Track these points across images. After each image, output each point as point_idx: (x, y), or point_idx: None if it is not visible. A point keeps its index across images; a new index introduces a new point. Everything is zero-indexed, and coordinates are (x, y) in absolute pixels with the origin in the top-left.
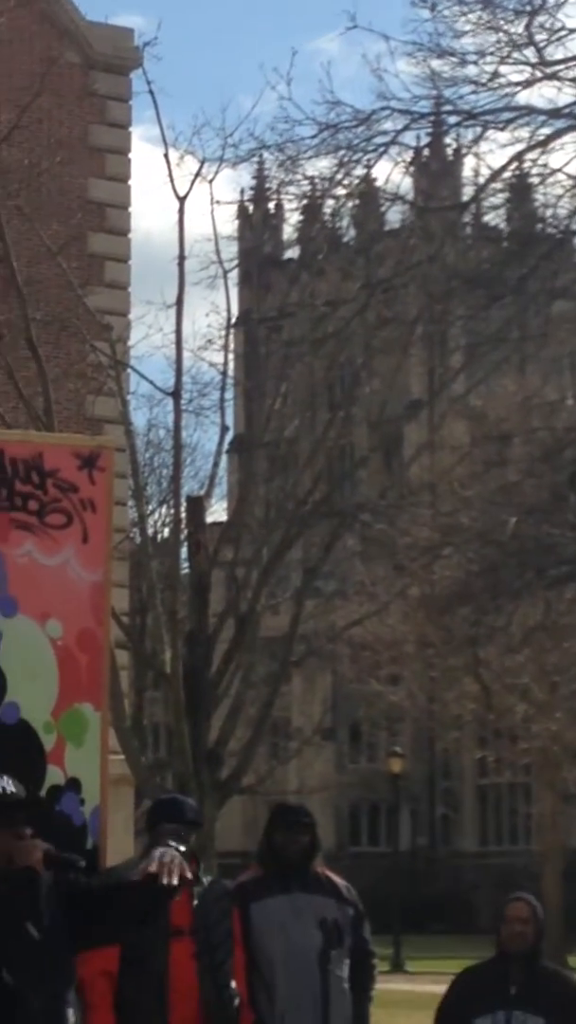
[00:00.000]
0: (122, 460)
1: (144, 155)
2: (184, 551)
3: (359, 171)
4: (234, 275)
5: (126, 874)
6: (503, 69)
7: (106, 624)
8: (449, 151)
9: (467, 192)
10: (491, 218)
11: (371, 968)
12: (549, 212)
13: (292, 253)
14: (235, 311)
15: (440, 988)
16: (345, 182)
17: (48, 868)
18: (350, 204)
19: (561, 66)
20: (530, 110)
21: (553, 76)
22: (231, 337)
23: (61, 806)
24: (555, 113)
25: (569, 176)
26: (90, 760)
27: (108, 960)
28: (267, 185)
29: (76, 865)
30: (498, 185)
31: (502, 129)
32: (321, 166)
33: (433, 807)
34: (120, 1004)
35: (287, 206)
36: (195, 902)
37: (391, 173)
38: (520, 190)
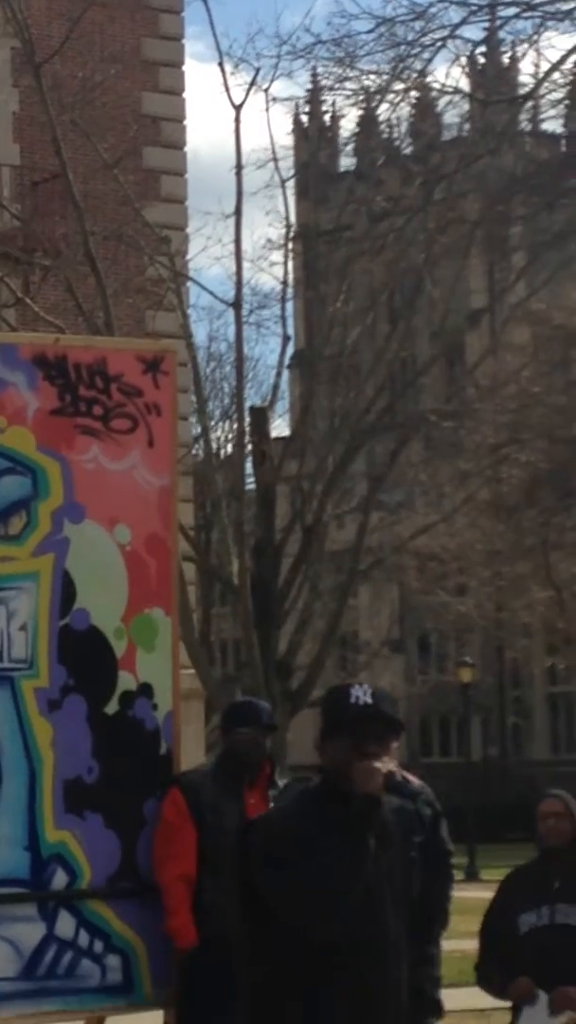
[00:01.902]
0: (184, 374)
1: (201, 66)
2: (249, 464)
3: (417, 66)
4: (292, 186)
5: None
6: None
7: (174, 529)
8: (506, 49)
9: (526, 90)
10: (549, 120)
11: (448, 867)
12: None
13: (349, 164)
14: (293, 222)
15: None
16: (401, 81)
17: (390, 792)
18: (406, 109)
19: None
20: None
21: None
22: (290, 248)
23: (134, 711)
24: None
25: None
26: (162, 665)
27: (186, 864)
28: (322, 95)
29: (416, 796)
30: (558, 79)
31: (562, 20)
32: (379, 63)
33: (504, 716)
34: (199, 906)
35: (342, 112)
36: (270, 804)
37: (449, 70)
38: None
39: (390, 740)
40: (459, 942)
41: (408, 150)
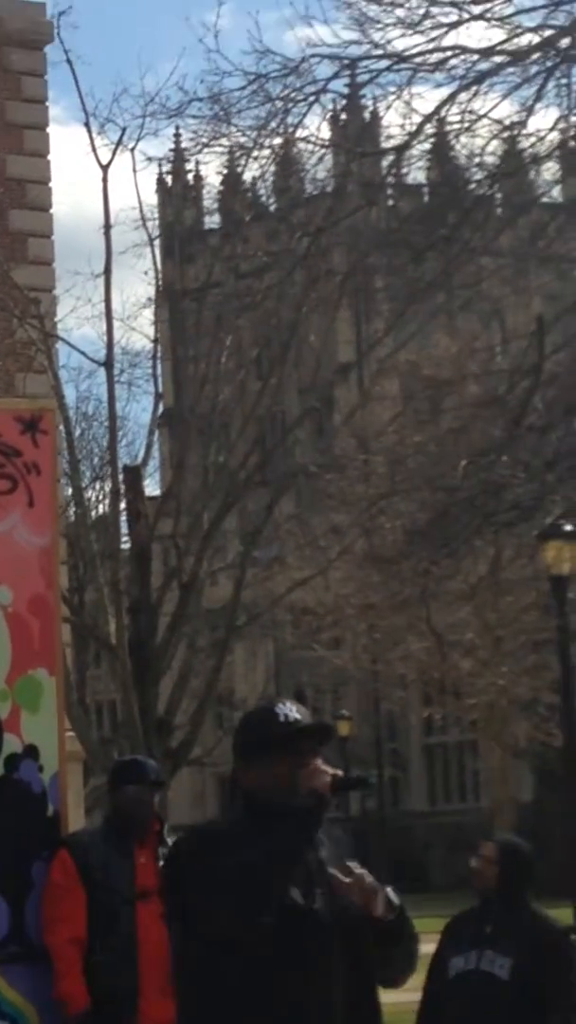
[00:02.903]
0: (57, 436)
1: (69, 126)
2: (123, 522)
3: (290, 120)
4: (160, 246)
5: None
6: (432, 10)
7: (56, 589)
8: (374, 104)
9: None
10: (416, 172)
11: None
12: (475, 161)
13: (215, 222)
14: (161, 279)
15: None
16: (269, 143)
17: (335, 792)
18: (275, 165)
19: (489, 3)
20: (462, 49)
21: (481, 16)
22: (158, 308)
23: (20, 774)
24: (487, 52)
25: (496, 121)
26: (47, 726)
27: (76, 927)
28: (188, 153)
29: (366, 782)
30: (429, 129)
31: (431, 71)
32: (253, 119)
33: (381, 769)
34: (89, 969)
35: (209, 172)
36: (160, 863)
37: (320, 125)
38: (445, 145)
39: (318, 752)
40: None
41: (273, 207)
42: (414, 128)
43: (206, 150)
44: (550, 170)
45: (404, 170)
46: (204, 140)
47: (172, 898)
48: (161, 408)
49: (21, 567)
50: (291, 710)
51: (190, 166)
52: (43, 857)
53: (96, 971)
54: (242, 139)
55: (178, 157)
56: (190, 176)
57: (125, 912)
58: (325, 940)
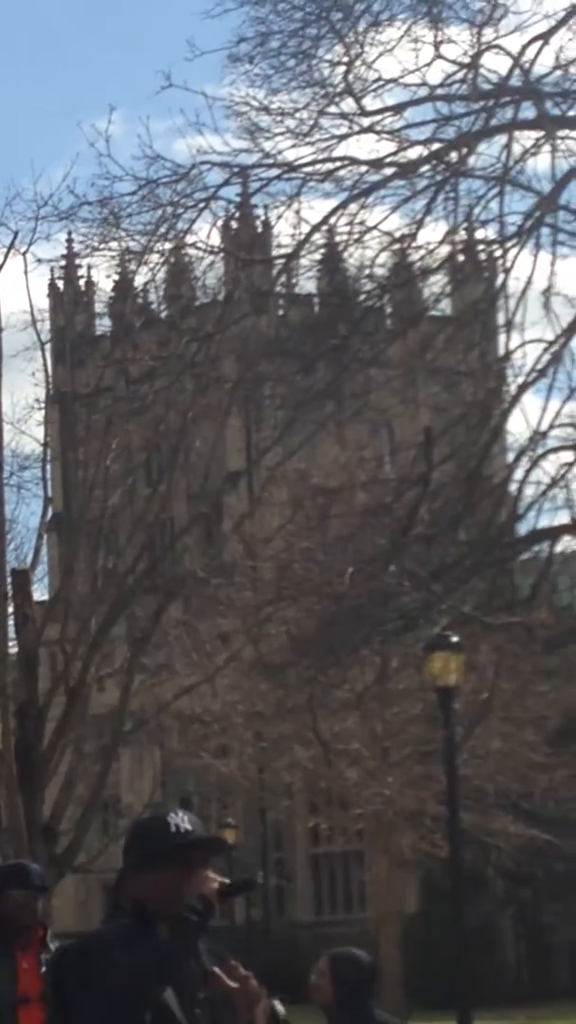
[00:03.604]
0: None
1: None
2: (11, 626)
3: (180, 226)
4: (51, 349)
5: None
6: (323, 122)
7: None
8: (265, 213)
9: (284, 257)
10: (306, 281)
11: None
12: (365, 272)
13: (106, 327)
14: (52, 383)
15: None
16: (159, 248)
17: (224, 899)
18: (164, 272)
19: (379, 116)
20: (351, 160)
21: (371, 129)
22: (48, 411)
23: None
24: (376, 163)
25: (386, 233)
26: None
27: None
28: (79, 258)
29: (253, 884)
30: (317, 239)
31: (321, 180)
32: (143, 224)
33: (266, 878)
34: None
35: (100, 277)
36: (43, 969)
37: (210, 231)
38: (335, 256)
39: (208, 864)
40: None
41: (164, 313)
42: (303, 237)
43: (96, 254)
44: (439, 283)
45: (294, 280)
46: (94, 244)
47: (54, 1004)
48: (50, 512)
49: None
50: (183, 820)
51: (82, 271)
52: None
53: None
54: (132, 244)
55: (70, 262)
56: (82, 281)
57: (7, 1017)
58: None
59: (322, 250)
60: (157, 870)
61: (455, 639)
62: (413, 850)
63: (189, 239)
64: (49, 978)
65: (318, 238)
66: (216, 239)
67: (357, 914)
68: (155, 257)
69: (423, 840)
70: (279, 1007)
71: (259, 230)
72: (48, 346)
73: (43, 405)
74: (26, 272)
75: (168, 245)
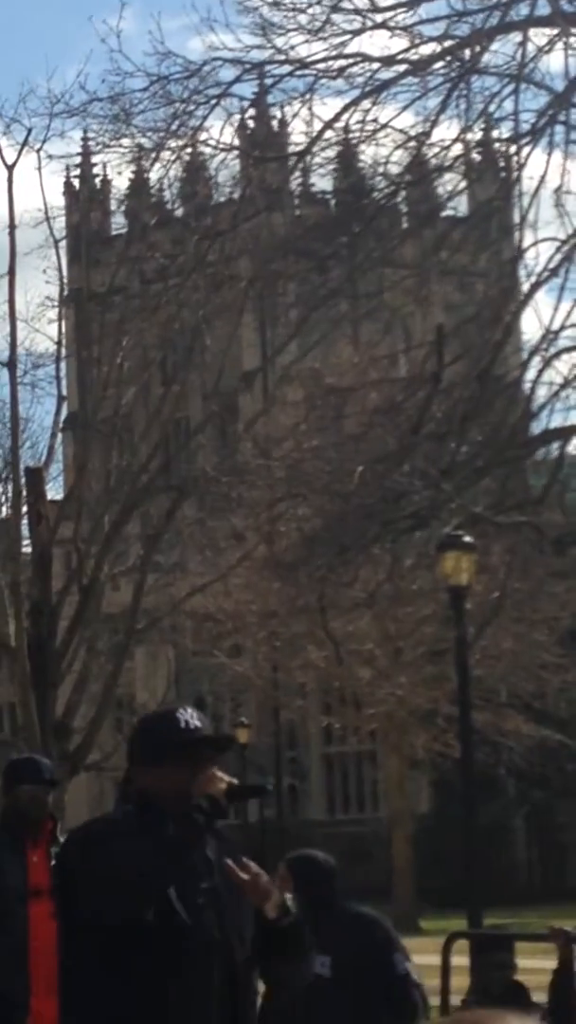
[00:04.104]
0: None
1: None
2: (24, 524)
3: (192, 123)
4: (66, 248)
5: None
6: (335, 17)
7: None
8: (281, 111)
9: (296, 155)
10: (320, 180)
11: None
12: (379, 170)
13: (121, 225)
14: (67, 282)
15: None
16: (177, 138)
17: (232, 800)
18: (179, 170)
19: (392, 11)
20: (364, 57)
21: (383, 25)
22: (63, 310)
23: None
24: (388, 61)
25: (400, 131)
26: None
27: None
28: (94, 154)
29: (264, 790)
30: (331, 137)
31: (334, 77)
32: (154, 121)
33: (280, 777)
34: None
35: (119, 170)
36: (52, 862)
37: (222, 129)
38: (350, 154)
39: (216, 761)
40: None
41: (179, 211)
42: (315, 134)
43: (108, 150)
44: (453, 181)
45: (311, 179)
46: (106, 140)
47: (61, 895)
48: (65, 411)
49: None
50: (192, 717)
51: (97, 169)
52: None
53: None
54: (144, 141)
55: (85, 160)
56: (97, 180)
57: (17, 910)
58: (207, 945)
59: (337, 148)
60: (165, 765)
61: (467, 539)
62: (425, 750)
63: (201, 136)
64: (56, 870)
65: (331, 136)
66: (229, 137)
67: (370, 814)
68: (168, 155)
69: (435, 740)
70: (290, 903)
71: (277, 130)
72: (63, 244)
73: (56, 303)
74: (40, 169)
75: (180, 143)
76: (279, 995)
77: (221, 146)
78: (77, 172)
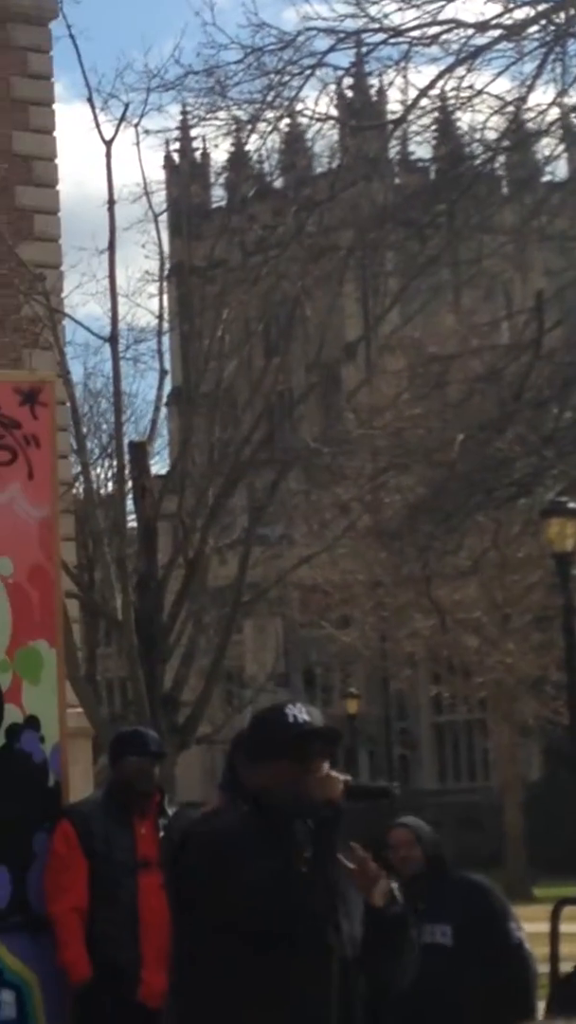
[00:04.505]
0: (62, 412)
1: (72, 104)
2: (129, 499)
3: (287, 94)
4: (165, 221)
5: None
6: None
7: (56, 560)
8: (380, 81)
9: (392, 123)
10: (418, 149)
11: None
12: (476, 136)
13: (221, 198)
14: (167, 256)
15: None
16: (272, 110)
17: (351, 800)
18: (277, 142)
19: None
20: (457, 23)
21: None
22: (165, 283)
23: (21, 744)
24: (482, 26)
25: (495, 96)
26: (47, 697)
27: (78, 897)
28: (192, 127)
29: (387, 793)
30: (426, 105)
31: (428, 44)
32: (249, 93)
33: (390, 747)
34: (91, 939)
35: (216, 142)
36: (161, 833)
37: (318, 99)
38: (448, 121)
39: (328, 754)
40: None
41: (279, 183)
42: (411, 102)
43: (203, 123)
44: (549, 146)
45: (409, 147)
46: (202, 114)
47: (175, 885)
48: (169, 385)
49: (21, 538)
50: (301, 711)
51: (197, 143)
52: (45, 828)
53: (99, 941)
54: (239, 113)
55: (184, 135)
56: (197, 154)
57: (126, 882)
58: (338, 953)
59: (433, 115)
60: (274, 761)
61: (572, 505)
62: (535, 717)
63: (298, 107)
64: (168, 854)
65: (427, 104)
66: (325, 107)
67: (481, 783)
68: (264, 127)
69: (545, 707)
70: (396, 892)
71: (375, 99)
72: (164, 218)
73: (157, 278)
74: (138, 144)
75: (275, 115)
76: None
77: (317, 115)
78: (177, 147)
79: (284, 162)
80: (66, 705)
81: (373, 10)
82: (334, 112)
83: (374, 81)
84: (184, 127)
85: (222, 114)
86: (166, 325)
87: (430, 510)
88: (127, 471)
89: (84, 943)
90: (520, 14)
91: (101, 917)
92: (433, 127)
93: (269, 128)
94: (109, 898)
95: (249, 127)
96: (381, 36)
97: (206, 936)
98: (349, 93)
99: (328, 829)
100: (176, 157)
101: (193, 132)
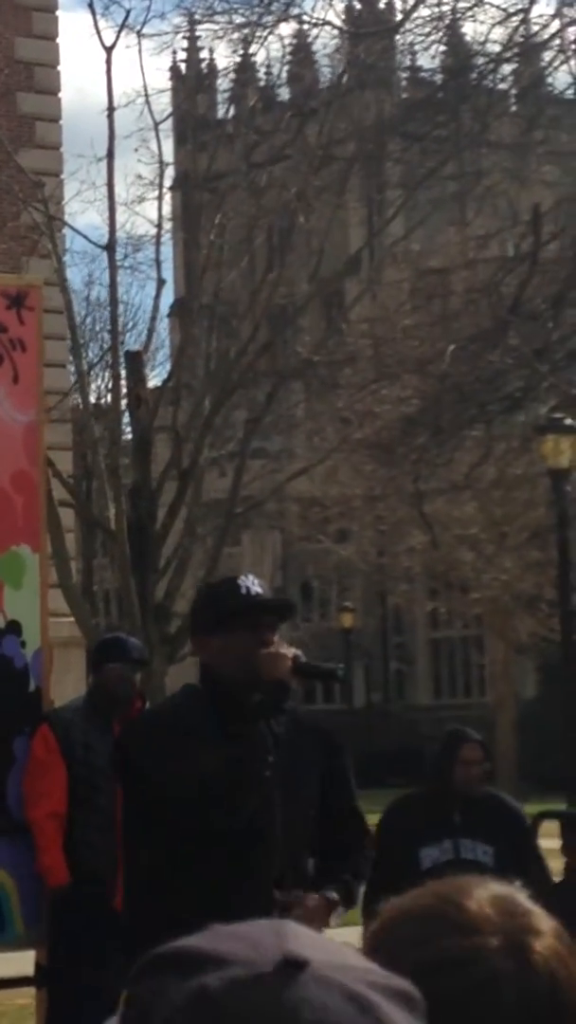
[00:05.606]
0: (60, 321)
1: (73, 11)
2: (124, 408)
3: None
4: (165, 130)
5: None
6: None
7: (41, 465)
8: None
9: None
10: (422, 60)
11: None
12: (478, 46)
13: (226, 112)
14: (168, 164)
15: None
16: (268, 23)
17: (300, 678)
18: (280, 52)
19: None
20: None
21: None
22: (165, 192)
23: (2, 649)
24: None
25: (497, 7)
26: (30, 602)
27: (57, 802)
28: (196, 32)
29: (334, 675)
30: (427, 15)
31: None
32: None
33: (386, 662)
34: (70, 844)
35: (215, 55)
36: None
37: (315, 5)
38: (452, 33)
39: (277, 627)
40: None
41: (285, 95)
42: (411, 6)
43: (200, 27)
44: (551, 58)
45: (413, 59)
46: (198, 17)
47: (125, 780)
48: (172, 296)
49: (4, 443)
50: (254, 583)
51: (203, 55)
52: (24, 732)
53: (77, 846)
54: (238, 20)
55: (191, 45)
56: (203, 66)
57: (105, 787)
58: (273, 850)
59: (433, 23)
60: (226, 632)
61: (568, 421)
62: (531, 635)
63: (300, 16)
64: (117, 748)
65: (428, 14)
66: (332, 17)
67: (476, 698)
68: (264, 32)
69: (541, 625)
70: (337, 902)
71: (382, 8)
72: (165, 127)
73: (155, 186)
74: (139, 50)
75: (273, 19)
76: None
77: (315, 20)
78: (183, 56)
79: (290, 73)
80: (49, 611)
81: None
82: (342, 18)
83: None
84: (192, 37)
85: (220, 18)
86: (165, 234)
87: (423, 423)
88: (123, 381)
89: (62, 849)
90: None
91: (80, 822)
92: (434, 37)
93: (266, 32)
94: (88, 803)
95: (245, 31)
96: None
97: (150, 831)
98: (357, 5)
99: (271, 704)
100: (183, 68)
101: (201, 43)
